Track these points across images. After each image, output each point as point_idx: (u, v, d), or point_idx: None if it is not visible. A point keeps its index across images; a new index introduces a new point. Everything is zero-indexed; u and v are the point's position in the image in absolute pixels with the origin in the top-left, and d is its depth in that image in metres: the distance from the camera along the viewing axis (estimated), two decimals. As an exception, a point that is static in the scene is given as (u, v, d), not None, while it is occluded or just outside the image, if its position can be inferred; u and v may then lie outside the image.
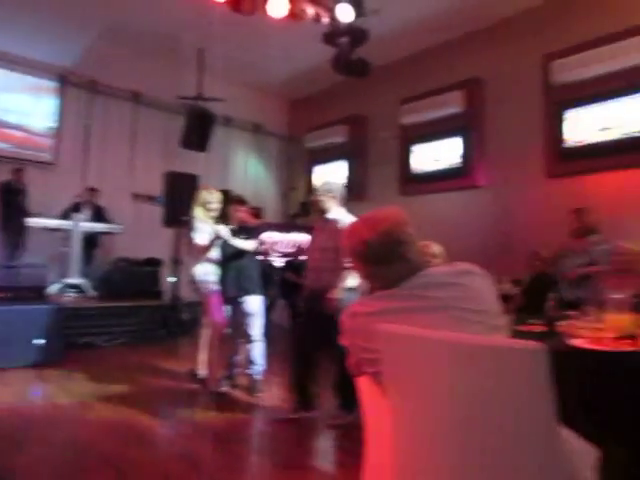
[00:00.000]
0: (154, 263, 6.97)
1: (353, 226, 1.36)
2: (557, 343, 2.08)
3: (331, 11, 4.71)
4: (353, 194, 7.67)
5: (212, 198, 4.00)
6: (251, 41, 6.43)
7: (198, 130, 6.64)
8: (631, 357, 1.85)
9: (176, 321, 6.24)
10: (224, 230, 3.78)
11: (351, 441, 2.76)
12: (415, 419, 1.15)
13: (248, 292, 3.86)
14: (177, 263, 6.46)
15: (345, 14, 4.45)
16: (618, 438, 1.31)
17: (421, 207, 6.86)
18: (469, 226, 6.31)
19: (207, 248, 3.82)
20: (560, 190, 5.58)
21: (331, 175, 8.09)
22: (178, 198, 5.89)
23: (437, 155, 6.65)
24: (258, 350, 3.85)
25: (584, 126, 5.38)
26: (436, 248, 2.93)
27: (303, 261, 7.49)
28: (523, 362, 0.94)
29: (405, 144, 7.00)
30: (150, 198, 6.77)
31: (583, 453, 1.18)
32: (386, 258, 1.27)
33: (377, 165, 7.50)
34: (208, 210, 3.95)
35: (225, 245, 3.85)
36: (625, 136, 5.07)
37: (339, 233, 3.11)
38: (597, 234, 4.13)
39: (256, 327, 3.85)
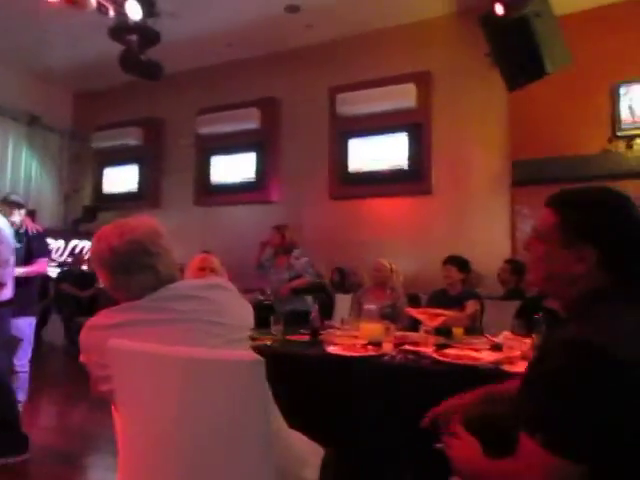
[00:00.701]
0: None
1: (102, 231, 1.26)
2: (315, 350, 2.25)
3: (119, 6, 4.40)
4: (146, 201, 7.29)
5: None
6: (25, 20, 5.59)
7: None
8: (368, 361, 2.10)
9: None
10: None
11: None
12: (144, 436, 1.10)
13: (18, 313, 3.23)
14: None
15: (133, 11, 4.20)
16: (336, 438, 1.45)
17: (217, 218, 6.87)
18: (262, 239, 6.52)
19: None
20: (341, 210, 6.20)
21: (122, 179, 7.54)
22: None
23: (234, 168, 6.73)
24: (22, 382, 3.26)
25: (362, 155, 6.08)
26: (216, 262, 2.89)
27: (83, 271, 6.76)
28: (242, 373, 0.97)
29: (202, 154, 6.92)
30: None
31: (310, 453, 1.28)
32: (131, 268, 1.21)
33: (173, 173, 7.24)
34: None
35: None
36: (392, 168, 5.90)
37: None
38: (297, 249, 4.38)
39: (23, 355, 3.26)
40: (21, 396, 3.27)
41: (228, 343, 1.17)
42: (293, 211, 6.46)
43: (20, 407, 3.24)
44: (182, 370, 1.00)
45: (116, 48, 4.98)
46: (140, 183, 7.37)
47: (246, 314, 1.30)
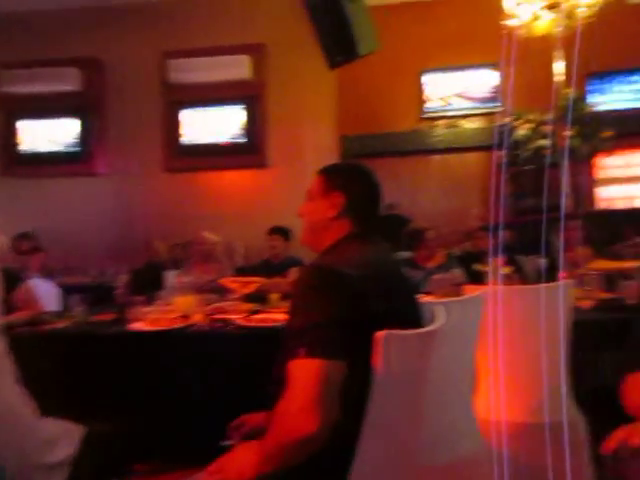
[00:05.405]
0: None
1: None
2: (114, 329, 2.11)
3: None
4: None
5: None
6: None
7: None
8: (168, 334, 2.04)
9: None
10: None
11: None
12: None
13: None
14: None
15: None
16: (104, 414, 1.38)
17: (31, 193, 6.03)
18: (88, 215, 5.94)
19: None
20: (177, 184, 5.91)
21: None
22: None
23: (49, 135, 5.96)
24: None
25: (197, 127, 5.83)
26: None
27: None
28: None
29: (6, 117, 5.97)
30: None
31: (61, 435, 1.20)
32: None
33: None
34: None
35: None
36: (229, 141, 5.78)
37: None
38: None
39: None
40: None
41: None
42: (123, 185, 5.98)
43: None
44: None
45: None
46: None
47: None
